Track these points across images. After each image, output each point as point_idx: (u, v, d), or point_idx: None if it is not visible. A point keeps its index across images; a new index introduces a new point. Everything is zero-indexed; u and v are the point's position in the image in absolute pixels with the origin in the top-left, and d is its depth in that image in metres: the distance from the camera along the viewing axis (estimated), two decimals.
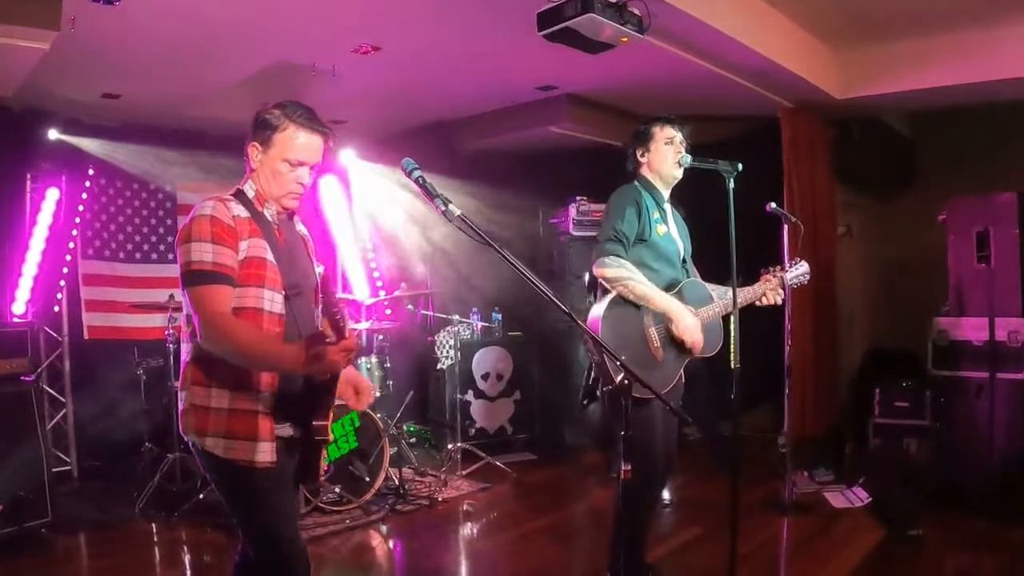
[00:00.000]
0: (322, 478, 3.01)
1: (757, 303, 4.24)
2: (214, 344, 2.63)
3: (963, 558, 4.92)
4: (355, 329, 2.65)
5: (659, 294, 3.90)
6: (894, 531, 5.37)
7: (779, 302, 4.27)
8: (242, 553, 2.98)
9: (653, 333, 3.92)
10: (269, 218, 2.86)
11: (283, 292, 2.79)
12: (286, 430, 2.80)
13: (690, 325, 3.91)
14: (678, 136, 4.13)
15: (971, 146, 7.25)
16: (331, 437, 2.85)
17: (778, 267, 4.38)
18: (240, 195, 2.85)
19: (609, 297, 3.91)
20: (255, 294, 2.72)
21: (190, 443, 2.79)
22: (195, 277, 2.64)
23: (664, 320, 3.94)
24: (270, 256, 2.77)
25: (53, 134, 6.90)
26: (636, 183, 4.15)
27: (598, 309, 3.91)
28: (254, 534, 2.84)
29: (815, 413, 7.30)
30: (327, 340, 2.51)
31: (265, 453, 2.71)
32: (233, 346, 2.62)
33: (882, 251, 8.19)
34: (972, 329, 6.08)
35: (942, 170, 7.50)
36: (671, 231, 4.16)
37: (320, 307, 2.64)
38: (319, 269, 3.06)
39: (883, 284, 8.19)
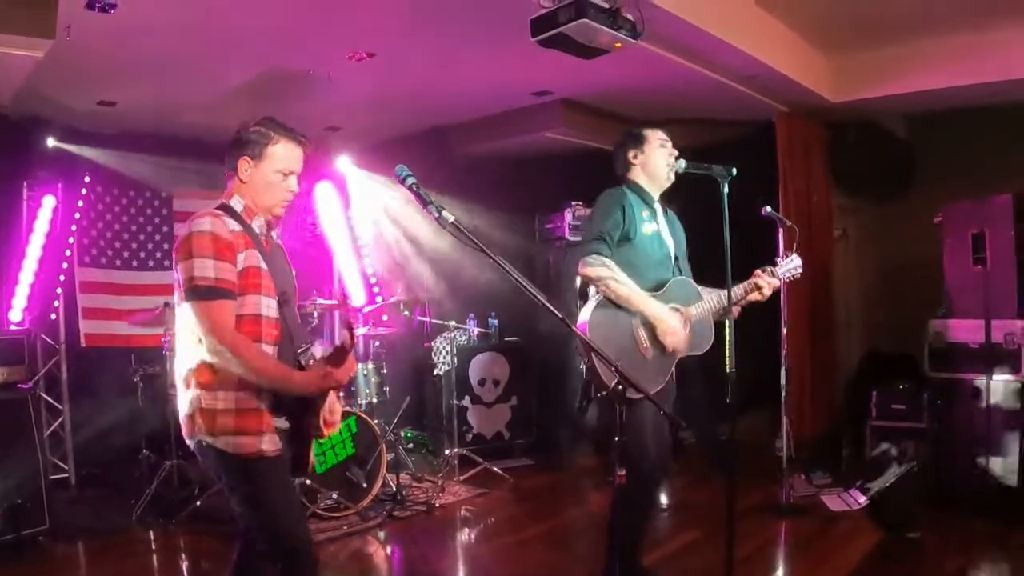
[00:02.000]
0: (309, 468, 3.20)
1: (755, 295, 4.21)
2: (224, 360, 2.78)
3: (960, 560, 4.92)
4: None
5: (639, 295, 3.90)
6: (892, 534, 5.38)
7: (767, 295, 4.24)
8: (240, 554, 3.11)
9: (641, 333, 3.93)
10: (257, 230, 3.00)
11: (276, 298, 2.93)
12: (283, 423, 2.95)
13: (670, 327, 3.91)
14: (670, 142, 4.14)
15: (967, 148, 7.26)
16: (325, 433, 3.07)
17: (770, 267, 4.36)
18: (228, 209, 2.97)
19: (596, 299, 3.92)
20: (253, 301, 2.87)
21: (196, 445, 2.89)
22: (199, 292, 2.76)
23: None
24: (263, 265, 2.91)
25: (49, 142, 6.92)
26: (624, 186, 4.16)
27: (586, 311, 3.92)
28: (264, 525, 2.92)
29: (812, 416, 7.32)
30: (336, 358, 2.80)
31: (271, 443, 2.85)
32: (245, 368, 2.77)
33: (878, 254, 8.19)
34: (968, 331, 6.09)
35: (938, 173, 7.50)
36: (661, 231, 4.15)
37: (340, 322, 2.81)
38: (293, 274, 3.24)
39: (879, 287, 8.20)
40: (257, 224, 3.01)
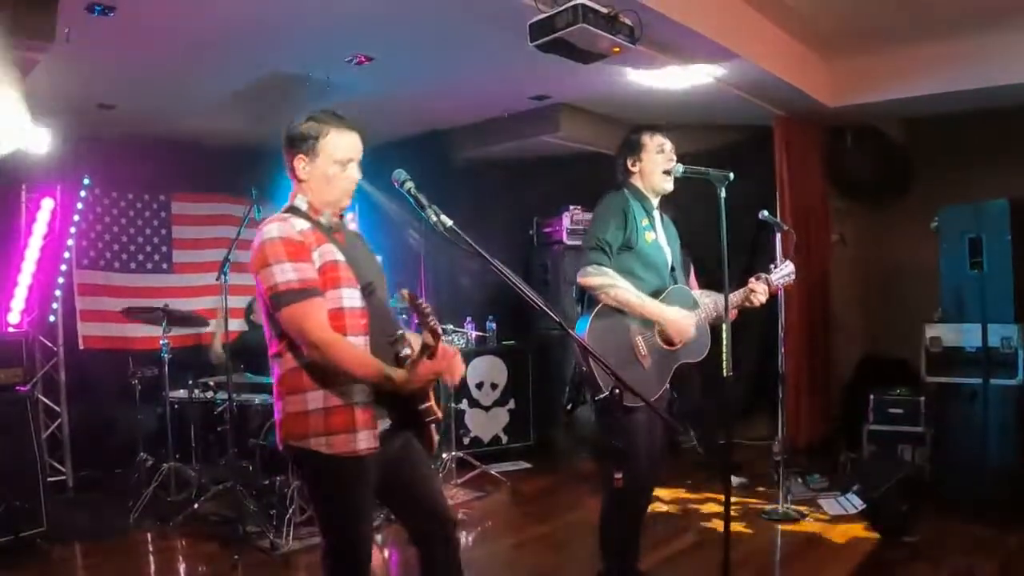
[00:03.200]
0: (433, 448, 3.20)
1: (747, 304, 4.24)
2: (324, 359, 2.76)
3: (957, 564, 4.92)
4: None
5: (642, 299, 3.92)
6: (888, 538, 5.38)
7: (763, 301, 4.27)
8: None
9: (640, 342, 3.93)
10: (326, 224, 2.97)
11: (358, 287, 2.90)
12: (386, 422, 2.92)
13: (675, 318, 3.94)
14: (668, 144, 4.14)
15: (964, 153, 7.28)
16: (439, 415, 2.99)
17: (764, 275, 4.38)
18: (294, 211, 2.95)
19: (595, 307, 3.93)
20: (335, 295, 2.84)
21: (287, 449, 2.91)
22: (287, 297, 2.74)
23: (651, 327, 3.96)
24: (340, 257, 2.88)
25: (48, 144, 6.89)
26: (624, 191, 4.17)
27: (585, 319, 3.93)
28: (336, 526, 2.94)
29: (809, 420, 7.32)
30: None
31: (365, 441, 2.83)
32: (343, 366, 2.76)
33: (876, 258, 8.21)
34: (965, 336, 6.10)
35: (935, 177, 7.52)
36: (659, 239, 4.17)
37: (417, 321, 2.77)
38: (379, 259, 3.24)
39: (877, 291, 8.21)
40: (326, 218, 2.97)
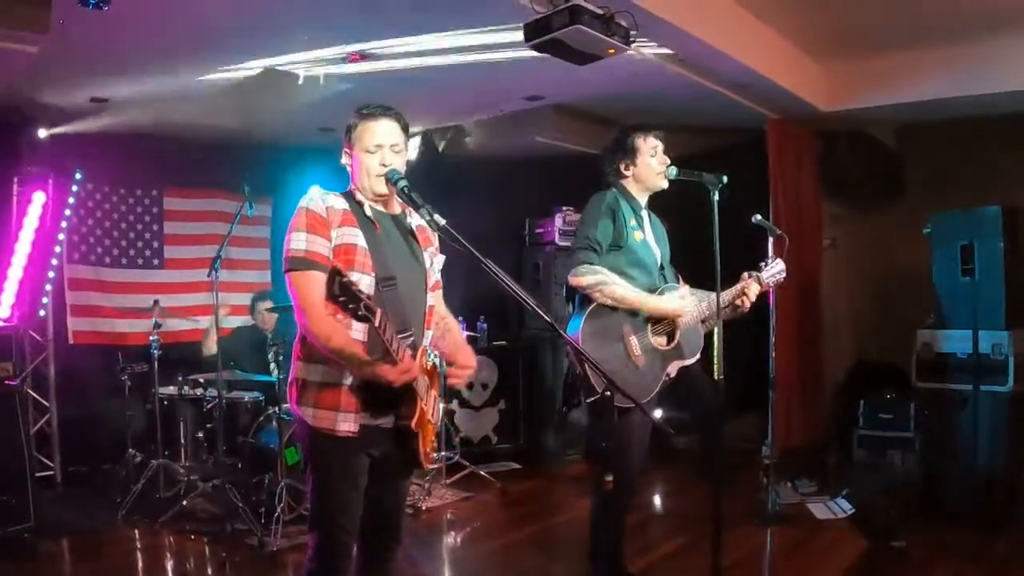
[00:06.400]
0: (429, 465, 3.27)
1: (738, 303, 4.23)
2: (306, 330, 2.94)
3: (946, 569, 4.94)
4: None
5: (635, 293, 3.93)
6: (877, 542, 5.39)
7: (754, 298, 4.27)
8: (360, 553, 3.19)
9: (633, 341, 3.94)
10: (368, 211, 3.09)
11: (373, 276, 2.97)
12: (375, 419, 2.99)
13: (668, 306, 3.97)
14: (661, 145, 4.15)
15: (957, 159, 7.29)
16: (414, 426, 2.96)
17: (756, 272, 4.37)
18: (347, 194, 3.15)
19: (588, 307, 3.93)
20: None
21: (292, 413, 3.11)
22: (290, 263, 2.94)
23: (644, 327, 3.97)
24: (361, 242, 2.99)
25: (40, 138, 6.87)
26: (613, 190, 4.17)
27: (578, 319, 3.93)
28: (314, 501, 3.06)
29: (799, 424, 7.32)
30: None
31: (345, 423, 2.93)
32: (318, 340, 2.88)
33: (868, 263, 8.22)
34: (956, 342, 6.11)
35: (928, 183, 7.53)
36: (648, 238, 4.17)
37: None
38: (436, 260, 3.32)
39: (868, 296, 8.23)
40: (368, 205, 3.09)
